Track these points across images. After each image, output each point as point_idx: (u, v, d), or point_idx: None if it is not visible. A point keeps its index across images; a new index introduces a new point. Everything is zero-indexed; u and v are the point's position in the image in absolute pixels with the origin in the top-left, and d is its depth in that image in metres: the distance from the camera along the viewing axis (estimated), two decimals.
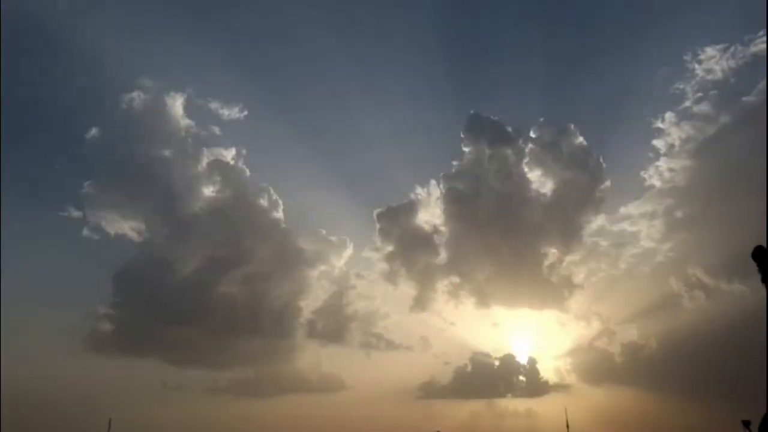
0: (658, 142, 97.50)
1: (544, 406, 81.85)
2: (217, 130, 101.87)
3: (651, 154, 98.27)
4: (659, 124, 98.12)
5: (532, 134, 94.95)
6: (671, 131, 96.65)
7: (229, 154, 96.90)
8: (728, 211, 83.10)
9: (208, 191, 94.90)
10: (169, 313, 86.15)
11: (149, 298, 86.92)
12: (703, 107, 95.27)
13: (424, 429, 69.27)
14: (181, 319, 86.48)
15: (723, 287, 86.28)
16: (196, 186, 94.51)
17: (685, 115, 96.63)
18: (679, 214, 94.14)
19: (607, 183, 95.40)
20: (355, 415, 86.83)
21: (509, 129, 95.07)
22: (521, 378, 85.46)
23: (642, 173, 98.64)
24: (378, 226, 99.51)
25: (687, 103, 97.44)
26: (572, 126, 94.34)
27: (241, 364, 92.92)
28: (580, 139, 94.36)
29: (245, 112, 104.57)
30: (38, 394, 77.66)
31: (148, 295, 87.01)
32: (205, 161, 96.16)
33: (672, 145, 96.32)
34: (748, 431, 28.13)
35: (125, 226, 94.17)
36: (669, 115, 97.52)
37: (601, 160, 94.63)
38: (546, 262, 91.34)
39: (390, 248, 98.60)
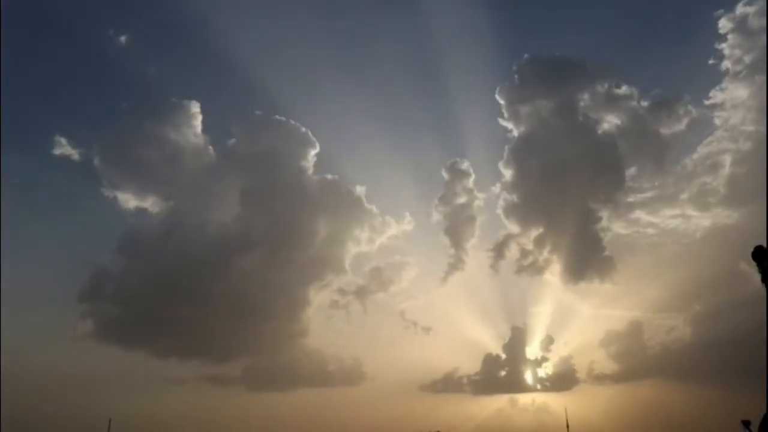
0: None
1: (575, 401, 75.39)
2: None
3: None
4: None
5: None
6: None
7: None
8: None
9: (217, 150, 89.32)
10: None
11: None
12: None
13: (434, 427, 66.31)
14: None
15: None
16: (204, 143, 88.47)
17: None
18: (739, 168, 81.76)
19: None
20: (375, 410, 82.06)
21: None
22: (549, 371, 79.32)
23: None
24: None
25: None
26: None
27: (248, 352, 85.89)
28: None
29: None
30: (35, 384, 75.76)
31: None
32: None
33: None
34: (748, 431, 27.58)
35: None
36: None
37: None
38: (599, 226, 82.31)
39: (438, 217, 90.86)
